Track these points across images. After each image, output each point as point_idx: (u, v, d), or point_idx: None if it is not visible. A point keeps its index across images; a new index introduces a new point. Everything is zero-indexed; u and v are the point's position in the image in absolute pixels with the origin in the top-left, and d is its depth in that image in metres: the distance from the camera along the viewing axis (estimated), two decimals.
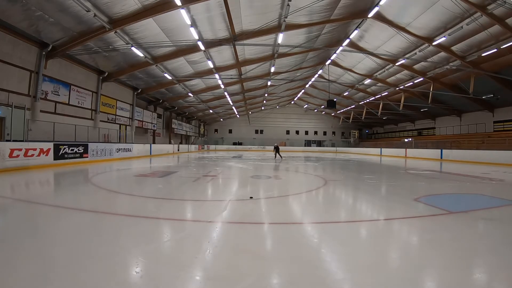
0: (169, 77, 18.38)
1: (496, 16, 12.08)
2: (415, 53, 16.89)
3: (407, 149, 24.89)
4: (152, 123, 24.17)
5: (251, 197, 5.05)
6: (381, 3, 12.40)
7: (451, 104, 24.96)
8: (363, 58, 20.01)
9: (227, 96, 26.92)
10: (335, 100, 22.53)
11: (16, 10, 9.25)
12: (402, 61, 18.60)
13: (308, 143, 46.73)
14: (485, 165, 14.28)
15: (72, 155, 11.34)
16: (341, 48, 18.41)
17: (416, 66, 19.77)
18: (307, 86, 30.83)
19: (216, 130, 47.19)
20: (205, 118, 41.41)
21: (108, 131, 16.98)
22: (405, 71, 20.69)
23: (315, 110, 44.87)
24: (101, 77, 16.09)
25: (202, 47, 14.43)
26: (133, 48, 13.20)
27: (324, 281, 2.04)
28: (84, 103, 15.11)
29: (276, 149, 18.84)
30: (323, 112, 45.16)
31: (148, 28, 12.24)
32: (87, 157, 12.24)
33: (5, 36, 10.17)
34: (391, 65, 19.89)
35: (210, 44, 14.73)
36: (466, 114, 26.42)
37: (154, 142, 24.37)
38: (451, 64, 17.08)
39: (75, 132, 13.30)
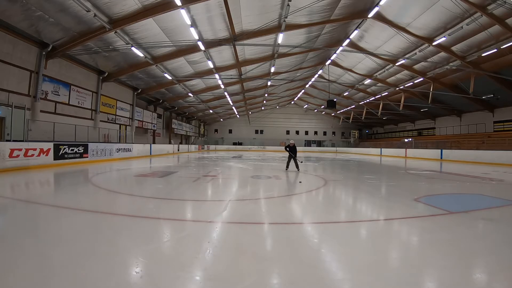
0: (169, 77, 18.38)
1: (496, 16, 12.08)
2: (415, 53, 16.89)
3: (407, 149, 24.88)
4: (152, 123, 24.16)
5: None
6: (381, 3, 12.41)
7: (451, 104, 24.96)
8: (363, 58, 20.01)
9: (227, 96, 26.93)
10: (335, 100, 22.52)
11: (16, 10, 9.25)
12: (402, 61, 18.60)
13: (308, 143, 46.73)
14: (485, 165, 14.28)
15: (72, 155, 11.33)
16: (341, 48, 18.41)
17: (416, 66, 19.77)
18: (307, 86, 30.83)
19: (216, 130, 47.19)
20: (205, 118, 41.40)
21: (108, 131, 16.97)
22: (405, 71, 20.69)
23: (315, 110, 44.88)
24: (101, 77, 16.09)
25: (202, 47, 14.43)
26: (133, 48, 13.20)
27: (324, 281, 2.04)
28: (84, 103, 15.12)
29: (291, 151, 10.16)
30: (323, 112, 45.15)
31: (148, 28, 12.24)
32: (87, 157, 12.23)
33: (5, 36, 10.17)
34: (391, 65, 19.89)
35: (210, 44, 14.73)
36: (466, 114, 26.42)
37: (154, 142, 24.37)
38: (451, 64, 17.08)
39: (75, 132, 13.31)
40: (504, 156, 14.85)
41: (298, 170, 9.86)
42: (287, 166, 10.30)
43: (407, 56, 17.28)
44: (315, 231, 3.32)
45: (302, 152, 37.40)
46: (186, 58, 16.57)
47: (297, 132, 47.43)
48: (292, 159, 10.22)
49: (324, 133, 48.04)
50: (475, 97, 19.26)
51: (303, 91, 34.07)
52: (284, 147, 10.59)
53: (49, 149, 10.12)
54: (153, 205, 4.57)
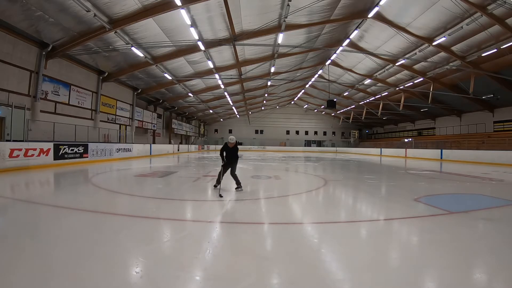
0: (169, 77, 18.37)
1: (496, 16, 12.08)
2: (415, 53, 16.88)
3: (407, 149, 24.88)
4: (152, 123, 24.16)
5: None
6: (381, 3, 12.41)
7: (451, 104, 24.95)
8: (363, 58, 20.01)
9: (227, 96, 26.93)
10: (335, 100, 22.52)
11: (16, 10, 9.25)
12: (402, 61, 18.60)
13: (308, 143, 46.75)
14: (485, 165, 14.28)
15: (72, 155, 11.33)
16: (341, 48, 18.41)
17: (416, 66, 19.76)
18: (307, 86, 30.83)
19: (216, 130, 47.19)
20: (205, 118, 41.41)
21: (108, 131, 16.97)
22: (405, 71, 20.68)
23: (315, 110, 44.87)
24: (101, 77, 16.08)
25: (202, 47, 14.43)
26: (133, 48, 13.20)
27: (324, 281, 2.04)
28: (84, 103, 15.11)
29: (229, 156, 5.72)
30: (323, 112, 45.15)
31: (148, 28, 12.24)
32: (87, 157, 12.23)
33: (5, 36, 10.17)
34: (391, 65, 19.88)
35: (210, 44, 14.73)
36: (466, 114, 26.42)
37: (154, 142, 24.36)
38: (451, 64, 17.08)
39: (75, 132, 13.30)
40: (504, 156, 14.85)
41: (239, 187, 5.69)
42: (218, 181, 5.57)
43: (407, 56, 17.27)
44: (315, 231, 3.32)
45: (302, 152, 37.61)
46: (186, 58, 16.56)
47: (297, 132, 47.47)
48: (228, 168, 5.73)
49: (324, 133, 48.05)
50: (475, 97, 19.26)
51: (303, 91, 34.07)
52: (220, 150, 5.83)
53: (49, 149, 10.11)
54: (153, 205, 4.57)
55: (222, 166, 5.73)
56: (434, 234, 3.18)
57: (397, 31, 15.03)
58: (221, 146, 5.90)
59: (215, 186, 5.86)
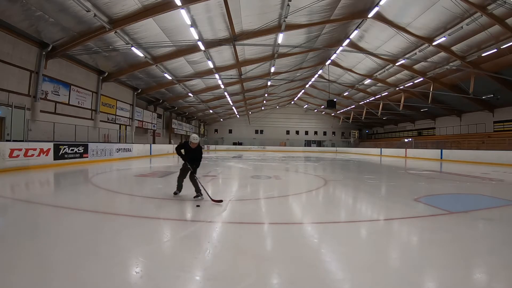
0: (169, 77, 18.37)
1: (496, 16, 12.08)
2: (415, 53, 16.88)
3: (407, 149, 24.87)
4: (152, 123, 24.16)
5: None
6: (381, 3, 12.40)
7: (451, 104, 24.95)
8: (363, 58, 20.00)
9: (227, 96, 26.92)
10: (335, 100, 22.52)
11: (16, 10, 9.24)
12: (402, 61, 18.59)
13: (308, 143, 46.72)
14: (485, 165, 14.28)
15: (72, 155, 11.33)
16: (341, 48, 18.40)
17: (416, 66, 19.76)
18: (307, 86, 30.81)
19: (216, 130, 47.18)
20: (205, 118, 41.40)
21: (108, 131, 16.97)
22: (405, 71, 20.68)
23: (315, 110, 44.85)
24: (101, 77, 16.08)
25: (202, 47, 14.43)
26: (133, 48, 13.19)
27: (324, 281, 2.04)
28: (84, 103, 15.11)
29: (192, 157, 4.93)
30: (323, 112, 45.12)
31: (148, 28, 12.23)
32: (87, 157, 12.23)
33: (5, 36, 10.16)
34: (391, 65, 19.88)
35: (210, 44, 14.72)
36: (466, 114, 26.41)
37: (154, 142, 24.36)
38: (451, 64, 17.07)
39: (75, 132, 13.30)
40: (504, 156, 14.84)
41: (199, 195, 4.85)
42: (179, 187, 5.12)
43: (407, 56, 17.27)
44: (315, 231, 3.32)
45: (302, 152, 37.60)
46: (186, 58, 16.56)
47: (297, 132, 47.46)
48: (188, 172, 4.94)
49: (324, 133, 48.03)
50: (475, 97, 19.25)
51: (303, 91, 34.05)
52: (176, 147, 5.12)
53: (49, 149, 10.11)
54: (153, 205, 4.57)
55: (180, 170, 4.98)
56: (434, 234, 3.18)
57: (397, 31, 15.03)
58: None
59: (175, 193, 5.09)
